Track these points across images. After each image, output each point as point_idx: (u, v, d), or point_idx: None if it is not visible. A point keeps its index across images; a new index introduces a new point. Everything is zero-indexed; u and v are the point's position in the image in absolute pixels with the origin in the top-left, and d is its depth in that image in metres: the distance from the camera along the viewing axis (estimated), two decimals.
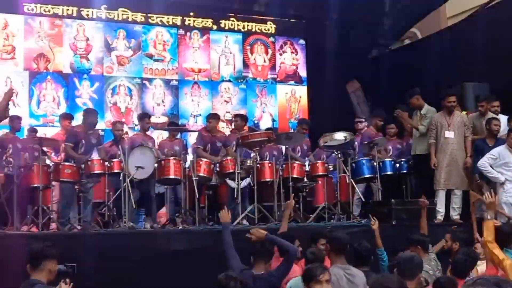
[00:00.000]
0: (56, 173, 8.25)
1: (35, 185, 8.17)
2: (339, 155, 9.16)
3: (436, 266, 6.04)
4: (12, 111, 10.49)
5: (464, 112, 9.33)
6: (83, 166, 8.23)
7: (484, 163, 8.35)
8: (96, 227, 8.21)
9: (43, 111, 11.65)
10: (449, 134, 8.75)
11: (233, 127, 10.47)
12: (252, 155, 9.12)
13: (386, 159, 9.38)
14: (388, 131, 9.98)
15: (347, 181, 9.09)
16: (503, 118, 8.97)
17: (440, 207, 8.59)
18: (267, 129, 10.57)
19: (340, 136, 9.08)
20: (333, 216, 8.98)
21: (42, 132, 10.62)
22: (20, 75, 11.58)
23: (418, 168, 9.24)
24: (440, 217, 8.55)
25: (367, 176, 9.17)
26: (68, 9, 12.05)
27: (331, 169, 9.37)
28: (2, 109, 7.12)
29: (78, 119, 10.07)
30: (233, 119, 10.85)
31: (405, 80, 11.67)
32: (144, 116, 9.77)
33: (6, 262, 6.15)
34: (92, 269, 6.50)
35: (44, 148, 8.98)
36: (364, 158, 9.29)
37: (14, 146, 8.82)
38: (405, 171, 9.42)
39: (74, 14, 12.10)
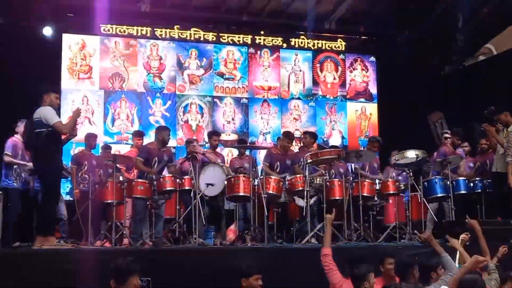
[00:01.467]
0: (129, 189, 8.42)
1: (109, 201, 8.37)
2: (411, 173, 8.99)
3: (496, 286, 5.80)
4: (88, 129, 10.97)
5: None
6: (155, 183, 8.38)
7: None
8: (167, 243, 8.32)
9: (117, 129, 11.98)
10: None
11: (302, 144, 10.44)
12: (321, 172, 9.08)
13: (460, 178, 9.13)
14: (462, 149, 9.73)
15: (419, 200, 8.90)
16: None
17: None
18: (335, 146, 10.49)
19: (411, 154, 8.92)
20: (404, 236, 8.80)
21: (116, 149, 10.92)
22: (96, 94, 11.97)
23: (497, 186, 8.96)
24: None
25: (439, 195, 8.96)
26: (142, 30, 12.39)
27: (402, 187, 9.20)
28: (71, 127, 7.36)
29: (151, 137, 10.31)
30: (302, 136, 10.84)
31: (479, 97, 11.40)
32: (213, 134, 9.91)
33: (81, 276, 6.29)
34: (163, 285, 6.58)
35: (118, 165, 9.21)
36: (437, 176, 9.08)
37: (89, 163, 9.12)
38: (479, 190, 9.14)
39: (148, 34, 12.44)
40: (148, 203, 8.45)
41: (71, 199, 9.27)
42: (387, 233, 8.75)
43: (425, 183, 8.97)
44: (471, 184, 9.13)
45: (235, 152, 10.76)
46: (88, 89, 11.98)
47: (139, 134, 10.34)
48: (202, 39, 12.75)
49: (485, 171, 9.42)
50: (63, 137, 7.32)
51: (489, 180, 9.17)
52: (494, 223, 8.39)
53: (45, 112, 7.09)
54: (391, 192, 9.04)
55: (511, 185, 8.44)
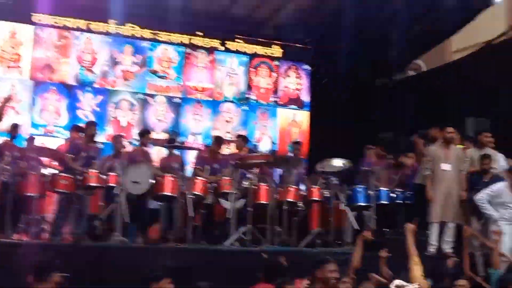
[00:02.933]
0: (52, 183, 8.26)
1: (30, 194, 8.17)
2: (336, 181, 9.17)
3: None
4: (13, 119, 10.65)
5: (461, 146, 9.34)
6: (79, 177, 8.24)
7: (482, 198, 8.32)
8: (88, 239, 8.19)
9: (44, 121, 11.72)
10: (446, 166, 8.73)
11: (233, 147, 10.49)
12: (249, 176, 9.14)
13: (382, 188, 9.37)
14: (386, 161, 9.98)
15: (342, 208, 9.08)
16: (501, 156, 8.99)
17: (433, 240, 8.55)
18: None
19: (338, 162, 9.11)
20: (326, 243, 8.96)
21: (41, 142, 10.67)
22: (24, 83, 11.68)
23: (417, 197, 9.24)
24: (432, 249, 8.51)
25: (361, 204, 9.17)
26: (77, 22, 12.17)
27: (326, 195, 9.37)
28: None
29: None
30: (234, 139, 10.88)
31: (408, 111, 11.73)
32: (146, 133, 9.81)
33: None
34: (81, 281, 6.49)
35: (43, 158, 9.01)
36: (360, 186, 9.29)
37: (11, 154, 8.85)
38: (400, 201, 9.39)
39: (83, 27, 12.22)
40: (70, 198, 8.30)
41: None
42: (309, 238, 8.88)
43: (348, 192, 9.16)
44: (393, 195, 9.36)
45: (164, 151, 10.69)
46: (17, 78, 11.67)
47: (77, 129, 10.11)
48: (138, 35, 12.62)
49: (406, 183, 9.68)
50: None
51: (410, 192, 9.44)
52: None
53: None
54: (316, 199, 9.18)
55: (429, 198, 8.72)
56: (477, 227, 8.63)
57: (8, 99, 7.31)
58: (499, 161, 8.94)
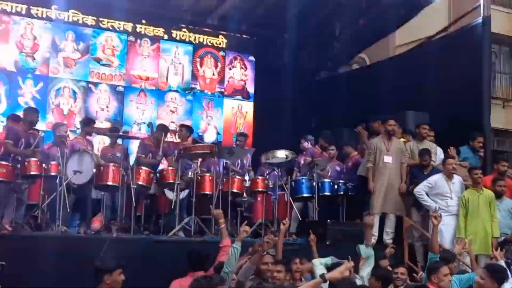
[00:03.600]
0: None
1: None
2: (279, 172, 9.25)
3: None
4: None
5: (402, 139, 9.55)
6: (18, 166, 8.05)
7: (420, 190, 8.54)
8: (28, 229, 8.02)
9: None
10: (387, 159, 8.93)
11: (177, 137, 10.42)
12: (193, 166, 9.11)
13: (325, 180, 9.49)
14: (329, 152, 10.10)
15: (286, 199, 9.15)
16: (439, 149, 9.24)
17: (375, 231, 8.73)
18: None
19: (281, 154, 9.17)
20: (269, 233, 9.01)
21: None
22: None
23: (360, 189, 9.41)
24: (373, 240, 8.67)
25: (305, 195, 9.27)
26: (17, 6, 11.83)
27: (270, 186, 9.43)
28: None
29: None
30: (178, 129, 10.81)
31: (351, 104, 11.89)
32: (90, 122, 9.61)
33: None
34: (21, 271, 6.37)
35: None
36: (304, 177, 9.39)
37: None
38: (342, 193, 9.53)
39: (23, 12, 11.89)
40: (10, 187, 8.09)
41: None
42: (253, 229, 8.91)
43: (292, 183, 9.25)
44: (336, 186, 9.49)
45: (107, 140, 10.54)
46: None
47: (14, 118, 9.84)
48: (80, 22, 12.35)
49: (349, 175, 9.83)
50: None
51: (352, 184, 9.59)
52: (354, 224, 8.83)
53: None
54: (260, 189, 9.23)
55: (371, 189, 8.89)
56: (417, 219, 8.86)
57: None
58: (438, 154, 9.19)
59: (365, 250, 6.80)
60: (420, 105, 10.42)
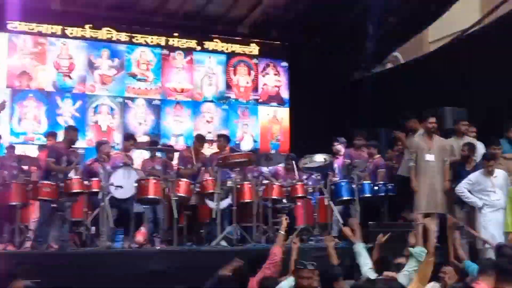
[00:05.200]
0: (35, 191, 8.20)
1: (13, 203, 8.11)
2: (319, 176, 9.21)
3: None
4: None
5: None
6: (61, 184, 8.20)
7: (461, 188, 8.41)
8: (74, 246, 8.16)
9: (23, 129, 11.63)
10: (429, 157, 8.79)
11: (215, 147, 10.48)
12: (232, 175, 9.15)
13: (365, 182, 9.41)
14: (368, 152, 10.02)
15: (326, 203, 9.11)
16: (480, 145, 9.08)
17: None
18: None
19: (319, 158, 9.15)
20: (311, 238, 8.99)
21: (22, 150, 10.59)
22: (2, 92, 11.54)
23: (401, 190, 9.30)
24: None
25: (345, 198, 9.21)
26: (52, 28, 12.09)
27: (310, 190, 9.40)
28: None
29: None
30: (216, 139, 10.86)
31: (386, 104, 11.80)
32: (130, 138, 9.79)
33: None
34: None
35: (25, 167, 8.96)
36: (343, 180, 9.33)
37: None
38: (383, 194, 9.44)
39: (58, 33, 12.15)
40: (53, 205, 8.24)
41: None
42: (295, 235, 8.89)
43: (332, 186, 9.19)
44: (376, 188, 9.41)
45: (146, 154, 10.67)
46: None
47: (51, 134, 10.10)
48: (114, 39, 12.58)
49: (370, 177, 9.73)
50: None
51: (392, 184, 9.50)
52: (396, 225, 8.72)
53: None
54: (300, 195, 9.21)
55: (414, 188, 8.78)
56: (461, 216, 8.72)
57: (3, 106, 7.22)
58: (479, 150, 9.03)
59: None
60: (457, 101, 10.27)
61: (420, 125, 9.18)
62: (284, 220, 6.60)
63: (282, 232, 6.31)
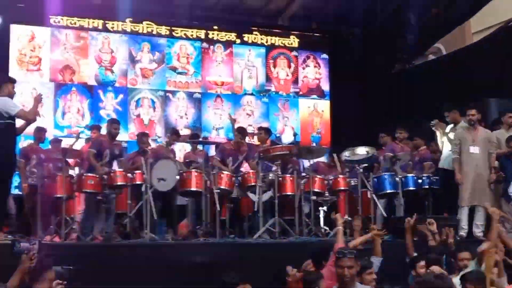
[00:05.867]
0: (79, 184, 8.31)
1: (58, 196, 8.23)
2: (361, 169, 9.12)
3: None
4: (37, 122, 10.72)
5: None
6: (105, 177, 8.28)
7: None
8: (118, 238, 8.24)
9: (67, 122, 11.80)
10: (474, 149, 8.65)
11: (255, 140, 10.46)
12: (273, 168, 9.12)
13: (409, 174, 9.29)
14: (413, 144, 9.90)
15: (369, 196, 9.02)
16: None
17: (464, 224, 8.50)
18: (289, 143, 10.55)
19: (362, 150, 9.06)
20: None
21: (66, 143, 10.72)
22: (45, 86, 11.74)
23: (444, 183, 9.17)
24: (463, 233, 8.46)
25: (389, 191, 9.10)
26: (93, 22, 12.23)
27: (352, 183, 9.31)
28: (34, 113, 7.24)
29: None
30: (256, 132, 10.86)
31: (429, 96, 11.63)
32: (174, 132, 9.91)
33: None
34: (113, 280, 6.53)
35: (69, 160, 9.09)
36: (386, 173, 9.22)
37: (37, 156, 8.95)
38: (427, 186, 9.31)
39: (100, 27, 12.28)
40: (98, 197, 8.34)
41: (20, 193, 9.08)
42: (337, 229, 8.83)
43: (375, 179, 9.09)
44: (420, 180, 9.28)
45: (187, 146, 10.73)
46: (38, 81, 11.74)
47: (96, 128, 10.22)
48: (154, 32, 12.65)
49: (416, 170, 9.60)
50: (22, 123, 7.16)
51: (436, 177, 9.37)
52: (441, 218, 8.59)
53: (4, 103, 6.91)
54: (342, 188, 9.14)
55: (458, 181, 8.65)
56: (507, 209, 8.55)
57: (38, 99, 7.33)
58: None
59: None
60: (502, 92, 10.08)
61: (461, 117, 9.05)
62: (339, 216, 6.53)
63: (340, 228, 6.23)
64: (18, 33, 11.71)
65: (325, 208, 9.32)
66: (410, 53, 13.98)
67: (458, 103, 9.80)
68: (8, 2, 11.41)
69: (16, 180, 9.81)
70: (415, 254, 6.58)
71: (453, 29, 13.51)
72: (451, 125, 9.48)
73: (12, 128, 6.99)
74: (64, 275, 4.77)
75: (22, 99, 10.56)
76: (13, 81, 7.35)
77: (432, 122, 9.72)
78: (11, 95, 7.09)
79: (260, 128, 10.49)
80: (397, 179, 8.99)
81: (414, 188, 9.19)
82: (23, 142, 10.35)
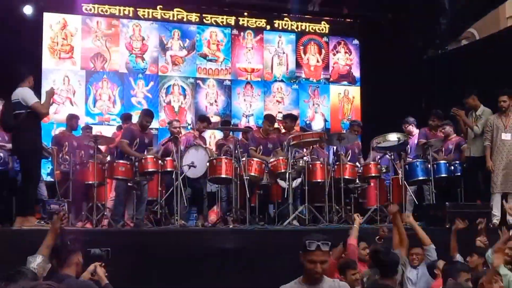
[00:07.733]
0: (111, 170, 8.41)
1: (90, 182, 8.34)
2: (392, 156, 9.04)
3: None
4: (69, 110, 10.89)
5: None
6: (136, 164, 8.35)
7: None
8: (149, 224, 8.32)
9: (99, 109, 11.89)
10: (506, 136, 8.50)
11: (283, 128, 10.41)
12: (303, 155, 9.10)
13: (441, 161, 9.17)
14: (442, 131, 9.76)
15: (400, 183, 8.94)
16: None
17: (496, 211, 8.36)
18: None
19: (393, 137, 8.97)
20: (385, 218, 8.85)
21: (97, 130, 10.85)
22: (77, 74, 11.85)
23: (472, 170, 9.02)
24: (496, 220, 8.33)
25: (420, 178, 9.00)
26: (124, 9, 12.27)
27: (384, 170, 9.24)
28: (48, 107, 7.37)
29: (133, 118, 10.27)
30: (281, 121, 10.82)
31: (461, 81, 11.43)
32: (204, 120, 9.91)
33: None
34: (144, 266, 6.60)
35: (101, 147, 9.18)
36: (418, 160, 9.12)
37: (70, 144, 9.08)
38: (459, 174, 9.18)
39: (131, 14, 12.33)
40: (129, 184, 8.42)
41: (52, 180, 9.21)
42: (368, 215, 8.80)
43: (406, 166, 9.01)
44: (452, 167, 9.16)
45: (217, 134, 10.75)
46: (69, 69, 11.85)
47: (127, 118, 10.30)
48: (185, 19, 12.66)
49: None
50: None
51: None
52: (474, 206, 8.47)
53: (24, 93, 7.06)
54: (373, 175, 9.08)
55: (490, 168, 8.51)
56: None
57: (51, 93, 7.45)
58: None
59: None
60: None
61: (479, 102, 8.86)
62: (357, 217, 6.45)
63: (356, 226, 6.18)
64: (51, 21, 11.81)
65: (355, 195, 9.30)
66: (443, 38, 13.76)
67: (492, 89, 9.60)
68: None
69: (48, 167, 10.00)
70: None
71: (487, 13, 13.23)
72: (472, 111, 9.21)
73: (33, 117, 7.09)
74: (103, 257, 4.84)
75: (56, 87, 10.67)
76: (33, 74, 7.53)
77: (452, 111, 9.46)
78: (31, 87, 7.23)
79: (284, 116, 10.47)
80: (428, 166, 8.89)
81: (446, 175, 9.08)
82: (55, 130, 10.51)
